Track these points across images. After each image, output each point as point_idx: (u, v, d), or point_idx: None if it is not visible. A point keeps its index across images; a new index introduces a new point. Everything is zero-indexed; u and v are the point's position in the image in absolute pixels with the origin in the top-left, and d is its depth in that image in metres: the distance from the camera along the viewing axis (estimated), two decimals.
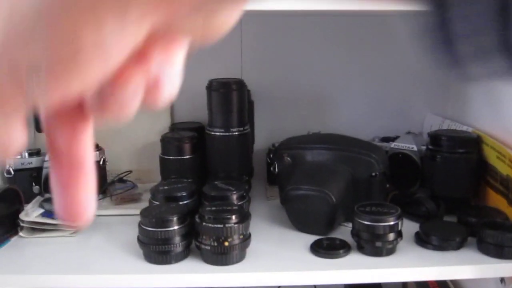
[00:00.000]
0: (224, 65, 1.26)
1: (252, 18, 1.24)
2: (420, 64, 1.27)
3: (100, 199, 1.12)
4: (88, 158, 0.26)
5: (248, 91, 1.14)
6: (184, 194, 0.93)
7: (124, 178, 1.19)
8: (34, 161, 1.10)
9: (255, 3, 0.82)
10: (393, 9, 0.84)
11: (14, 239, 0.94)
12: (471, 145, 1.03)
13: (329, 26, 1.27)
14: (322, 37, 1.27)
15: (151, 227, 0.82)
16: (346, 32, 1.28)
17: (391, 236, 0.84)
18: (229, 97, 1.07)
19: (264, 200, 1.15)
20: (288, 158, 1.02)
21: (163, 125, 1.24)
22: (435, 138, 1.05)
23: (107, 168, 1.19)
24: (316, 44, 1.28)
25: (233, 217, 0.81)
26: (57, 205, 0.26)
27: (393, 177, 1.02)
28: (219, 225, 0.80)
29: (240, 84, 1.09)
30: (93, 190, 0.26)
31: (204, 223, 0.81)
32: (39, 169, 1.10)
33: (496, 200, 0.99)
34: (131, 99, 0.25)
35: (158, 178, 1.15)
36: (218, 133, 1.08)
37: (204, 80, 1.10)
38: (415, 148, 1.13)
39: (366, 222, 0.84)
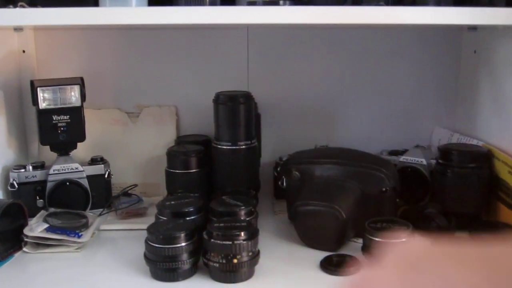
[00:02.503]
0: (231, 78, 1.24)
1: (258, 30, 1.23)
2: (427, 77, 1.27)
3: (105, 213, 1.11)
4: None
5: (255, 103, 1.13)
6: (192, 209, 0.91)
7: (130, 192, 1.18)
8: (39, 175, 1.09)
9: (262, 16, 0.81)
10: (402, 23, 0.84)
11: (18, 254, 0.93)
12: (482, 160, 1.01)
13: (336, 39, 1.26)
14: (329, 50, 1.26)
15: (158, 244, 0.80)
16: (353, 45, 1.27)
17: None
18: (236, 111, 1.06)
19: (271, 214, 1.13)
20: (297, 173, 1.01)
21: (169, 138, 1.23)
22: (445, 152, 1.04)
23: (112, 181, 1.18)
24: (323, 57, 1.26)
25: (242, 233, 0.80)
26: None
27: (402, 191, 1.00)
28: (227, 242, 0.79)
29: (247, 97, 1.07)
30: None
31: (212, 240, 0.79)
32: (43, 183, 1.09)
33: (508, 216, 0.98)
34: None
35: (164, 192, 1.14)
36: (225, 147, 1.07)
37: (211, 93, 1.09)
38: (424, 162, 1.11)
39: (377, 239, 0.82)
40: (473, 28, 1.18)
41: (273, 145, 1.27)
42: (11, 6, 0.83)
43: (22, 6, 0.83)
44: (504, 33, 1.05)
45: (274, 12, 0.81)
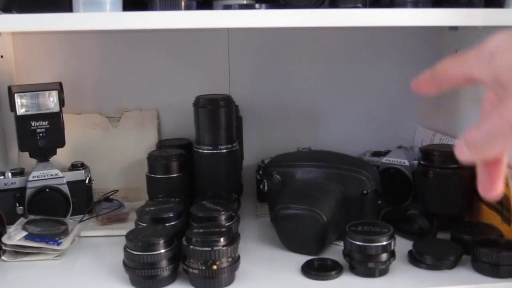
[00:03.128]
0: (212, 81, 1.24)
1: (239, 32, 1.22)
2: (410, 77, 1.26)
3: (85, 219, 1.10)
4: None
5: (236, 106, 1.12)
6: (171, 215, 0.90)
7: (111, 197, 1.17)
8: (18, 181, 1.08)
9: (238, 20, 0.80)
10: (380, 25, 0.83)
11: None
12: None
13: (317, 40, 1.25)
14: (311, 51, 1.26)
15: (137, 251, 0.79)
16: (335, 46, 1.26)
17: (384, 256, 0.82)
18: (217, 114, 1.05)
19: (254, 218, 1.13)
20: (278, 176, 1.00)
21: (150, 142, 1.22)
22: (427, 153, 1.04)
23: (93, 187, 1.16)
24: (305, 58, 1.26)
25: (222, 239, 0.79)
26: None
27: (385, 192, 1.00)
28: (206, 248, 0.78)
29: (227, 101, 1.07)
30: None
31: (191, 246, 0.79)
32: (22, 189, 1.07)
33: (489, 216, 0.98)
34: None
35: (145, 196, 1.13)
36: (206, 151, 1.06)
37: (192, 96, 1.08)
38: (407, 163, 1.11)
39: (358, 243, 0.82)
40: (453, 28, 1.18)
41: (256, 147, 1.26)
42: None
43: None
44: (484, 33, 1.04)
45: (250, 16, 0.80)
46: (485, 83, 0.43)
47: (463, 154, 0.43)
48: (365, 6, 0.86)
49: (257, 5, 0.84)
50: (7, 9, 0.84)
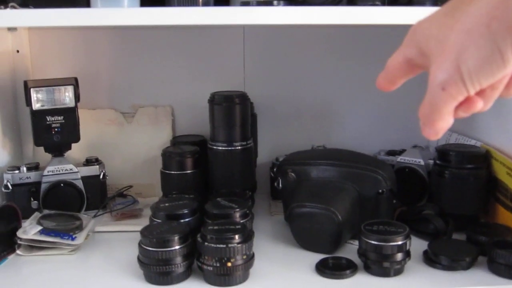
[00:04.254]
0: (227, 78, 1.23)
1: (254, 30, 1.22)
2: (425, 76, 1.25)
3: (99, 214, 1.10)
4: None
5: (251, 103, 1.12)
6: (186, 211, 0.90)
7: (125, 193, 1.17)
8: (33, 176, 1.08)
9: (256, 17, 0.80)
10: (398, 23, 0.83)
11: (11, 257, 0.92)
12: (480, 161, 1.00)
13: (333, 38, 1.25)
14: (326, 50, 1.25)
15: (152, 247, 0.79)
16: (351, 44, 1.26)
17: (399, 256, 0.82)
18: (232, 111, 1.05)
19: (268, 215, 1.12)
20: (293, 174, 1.00)
21: (165, 138, 1.22)
22: (443, 153, 1.03)
23: (107, 182, 1.17)
24: (320, 56, 1.25)
25: (236, 236, 0.79)
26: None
27: (400, 191, 0.99)
28: (221, 245, 0.78)
29: (243, 98, 1.06)
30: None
31: (206, 243, 0.78)
32: (37, 184, 1.08)
33: (506, 217, 0.97)
34: None
35: (159, 192, 1.13)
36: (220, 148, 1.06)
37: (207, 93, 1.08)
38: (422, 162, 1.10)
39: (373, 242, 0.81)
40: None
41: (270, 145, 1.26)
42: (2, 7, 0.82)
43: (14, 7, 0.82)
44: None
45: (268, 12, 0.80)
46: (417, 61, 0.46)
47: (426, 133, 0.46)
48: (383, 4, 0.86)
49: (275, 2, 0.83)
50: (25, 4, 0.84)
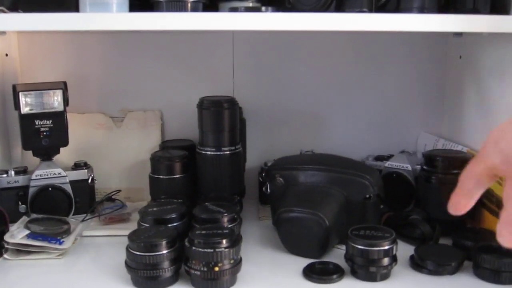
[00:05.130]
0: (216, 83, 1.24)
1: (244, 35, 1.23)
2: (413, 82, 1.27)
3: (88, 219, 1.10)
4: None
5: (240, 108, 1.13)
6: (174, 216, 0.90)
7: (113, 197, 1.17)
8: (21, 180, 1.08)
9: (244, 23, 0.80)
10: (385, 30, 0.83)
11: None
12: (466, 166, 1.01)
13: (322, 44, 1.25)
14: (315, 55, 1.26)
15: (139, 252, 0.79)
16: (340, 50, 1.26)
17: (386, 261, 0.82)
18: (221, 116, 1.06)
19: (256, 220, 1.13)
20: (281, 179, 1.00)
21: (154, 143, 1.22)
22: (430, 158, 1.04)
23: (96, 186, 1.17)
24: (309, 62, 1.26)
25: (224, 241, 0.79)
26: None
27: (387, 196, 1.00)
28: (209, 250, 0.78)
29: (231, 103, 1.07)
30: None
31: (193, 248, 0.79)
32: (25, 188, 1.07)
33: (492, 223, 0.98)
34: None
35: (148, 197, 1.13)
36: (209, 152, 1.06)
37: (196, 98, 1.08)
38: (410, 168, 1.11)
39: (360, 247, 0.82)
40: (458, 34, 1.18)
41: (259, 150, 1.26)
42: None
43: (3, 11, 0.82)
44: (489, 39, 1.05)
45: (256, 19, 0.80)
46: (500, 168, 0.48)
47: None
48: (371, 11, 0.87)
49: (263, 8, 0.84)
50: (14, 8, 0.84)
